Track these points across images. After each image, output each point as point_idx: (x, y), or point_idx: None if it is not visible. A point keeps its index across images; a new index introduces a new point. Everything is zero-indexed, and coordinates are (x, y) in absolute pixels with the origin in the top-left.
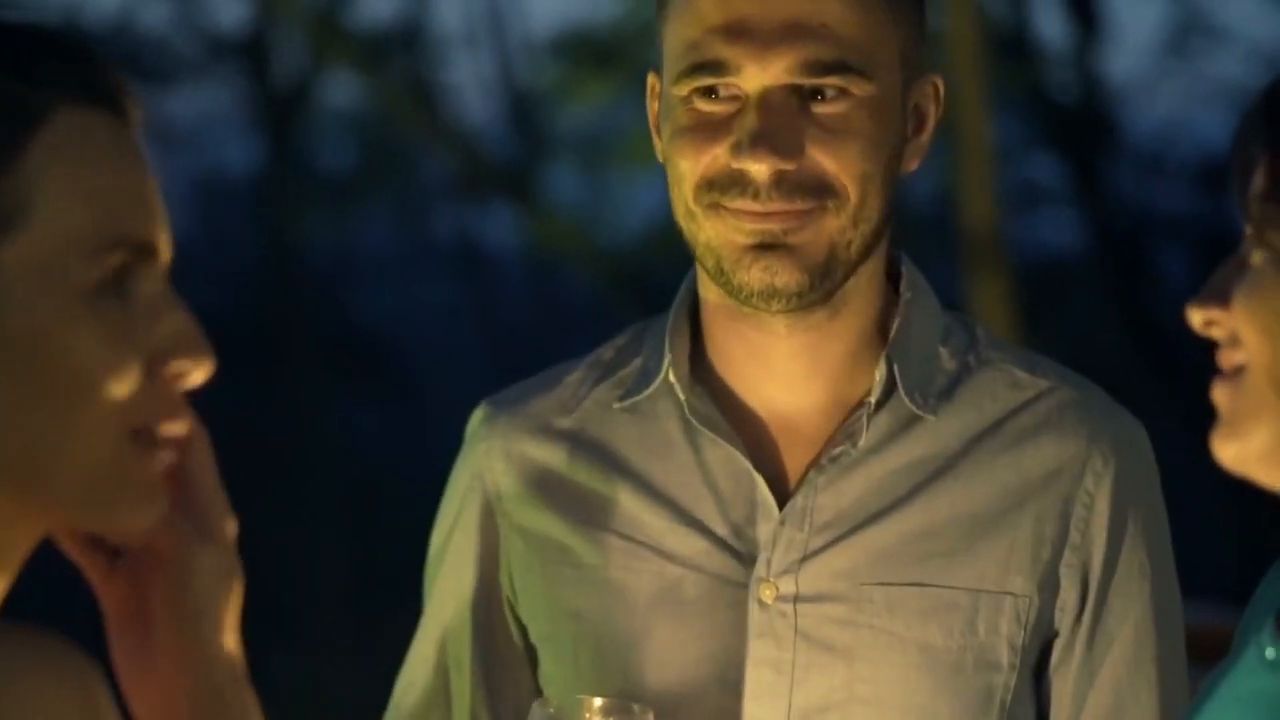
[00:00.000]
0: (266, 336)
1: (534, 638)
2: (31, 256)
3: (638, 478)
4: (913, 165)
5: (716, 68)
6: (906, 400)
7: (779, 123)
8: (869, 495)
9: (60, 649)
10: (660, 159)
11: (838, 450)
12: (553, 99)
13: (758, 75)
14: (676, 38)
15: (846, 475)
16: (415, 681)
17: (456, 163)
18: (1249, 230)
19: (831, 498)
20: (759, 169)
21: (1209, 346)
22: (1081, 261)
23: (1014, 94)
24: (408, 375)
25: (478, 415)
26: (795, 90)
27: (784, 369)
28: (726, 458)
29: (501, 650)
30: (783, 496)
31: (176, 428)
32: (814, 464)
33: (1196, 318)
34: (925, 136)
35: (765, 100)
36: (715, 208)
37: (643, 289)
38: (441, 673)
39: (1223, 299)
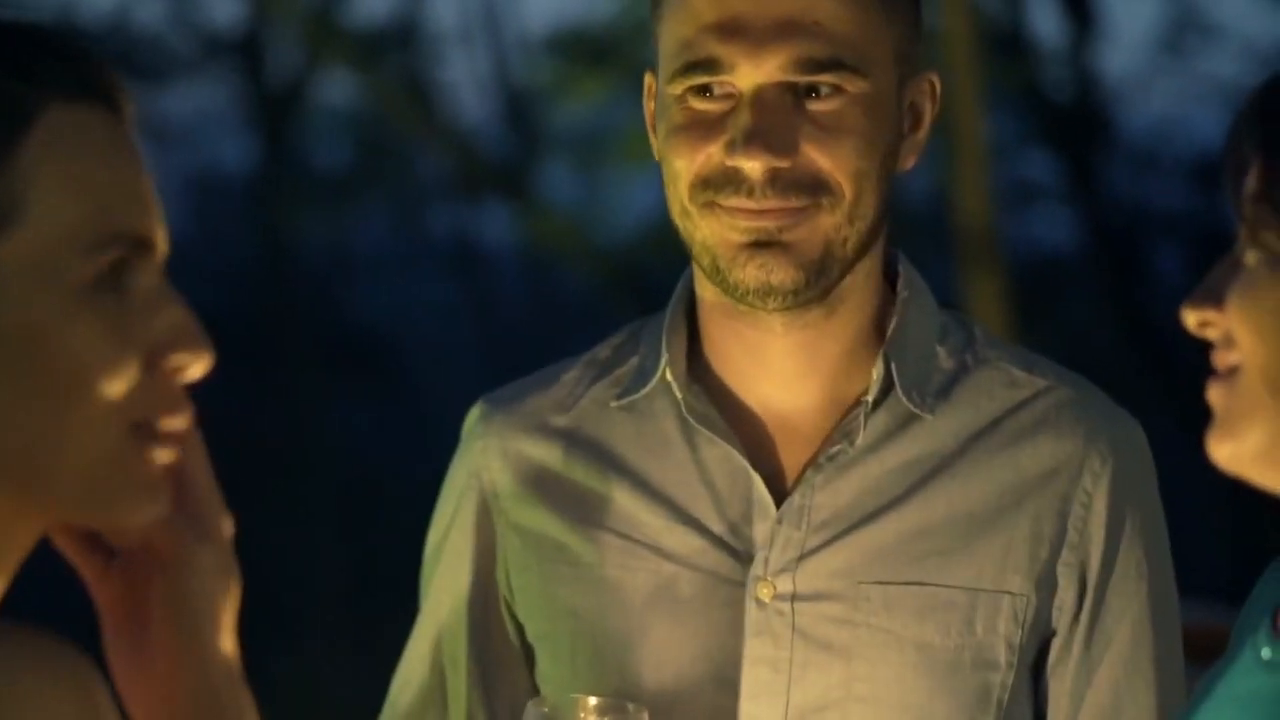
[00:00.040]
0: (262, 335)
1: (530, 636)
2: (27, 253)
3: (634, 476)
4: (909, 163)
5: (710, 66)
6: (904, 399)
7: (773, 120)
8: (866, 494)
9: (58, 649)
10: (656, 157)
11: (835, 449)
12: (548, 97)
13: (751, 73)
14: (671, 36)
15: (844, 474)
16: (411, 680)
17: (452, 161)
18: (1243, 230)
19: (829, 496)
20: (753, 166)
21: (1204, 345)
22: (1076, 259)
23: (1009, 91)
24: (404, 374)
25: (474, 413)
26: (789, 88)
27: (781, 367)
28: (723, 456)
29: (498, 649)
30: (780, 495)
31: (177, 422)
32: (811, 463)
33: (1191, 319)
34: (921, 134)
35: (759, 98)
36: (710, 206)
37: (639, 287)
38: (438, 671)
39: (1217, 300)
